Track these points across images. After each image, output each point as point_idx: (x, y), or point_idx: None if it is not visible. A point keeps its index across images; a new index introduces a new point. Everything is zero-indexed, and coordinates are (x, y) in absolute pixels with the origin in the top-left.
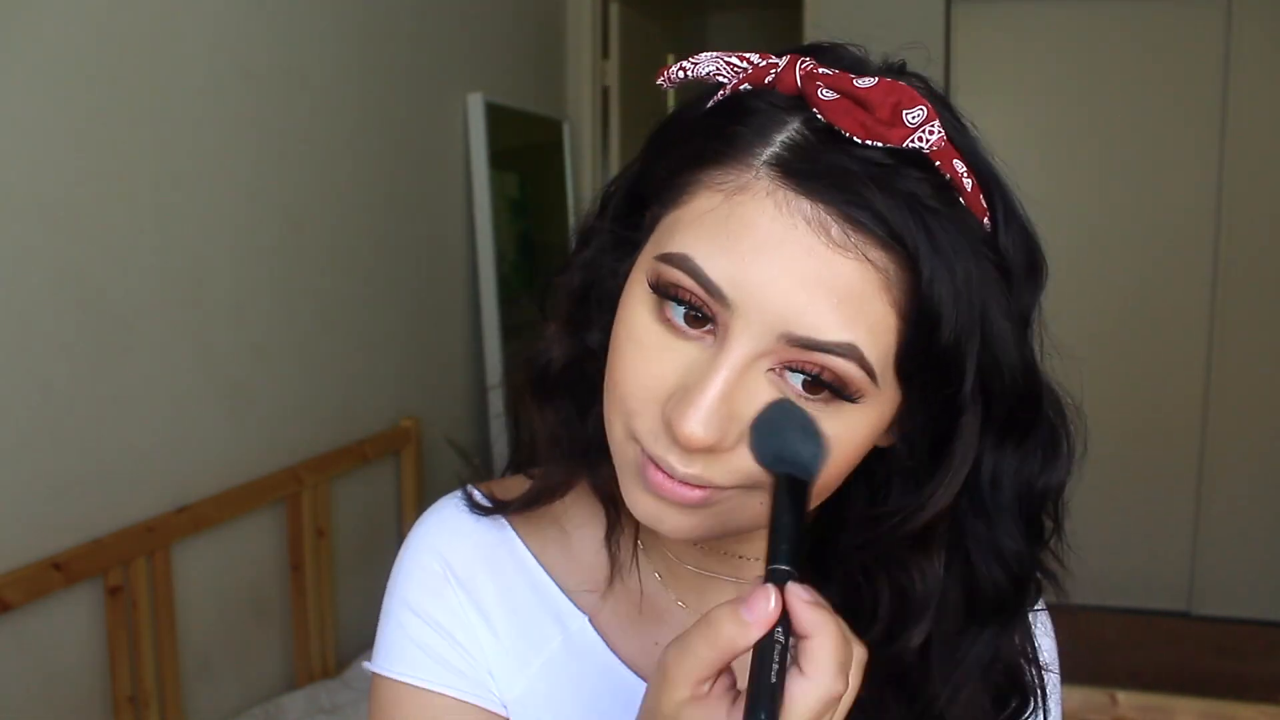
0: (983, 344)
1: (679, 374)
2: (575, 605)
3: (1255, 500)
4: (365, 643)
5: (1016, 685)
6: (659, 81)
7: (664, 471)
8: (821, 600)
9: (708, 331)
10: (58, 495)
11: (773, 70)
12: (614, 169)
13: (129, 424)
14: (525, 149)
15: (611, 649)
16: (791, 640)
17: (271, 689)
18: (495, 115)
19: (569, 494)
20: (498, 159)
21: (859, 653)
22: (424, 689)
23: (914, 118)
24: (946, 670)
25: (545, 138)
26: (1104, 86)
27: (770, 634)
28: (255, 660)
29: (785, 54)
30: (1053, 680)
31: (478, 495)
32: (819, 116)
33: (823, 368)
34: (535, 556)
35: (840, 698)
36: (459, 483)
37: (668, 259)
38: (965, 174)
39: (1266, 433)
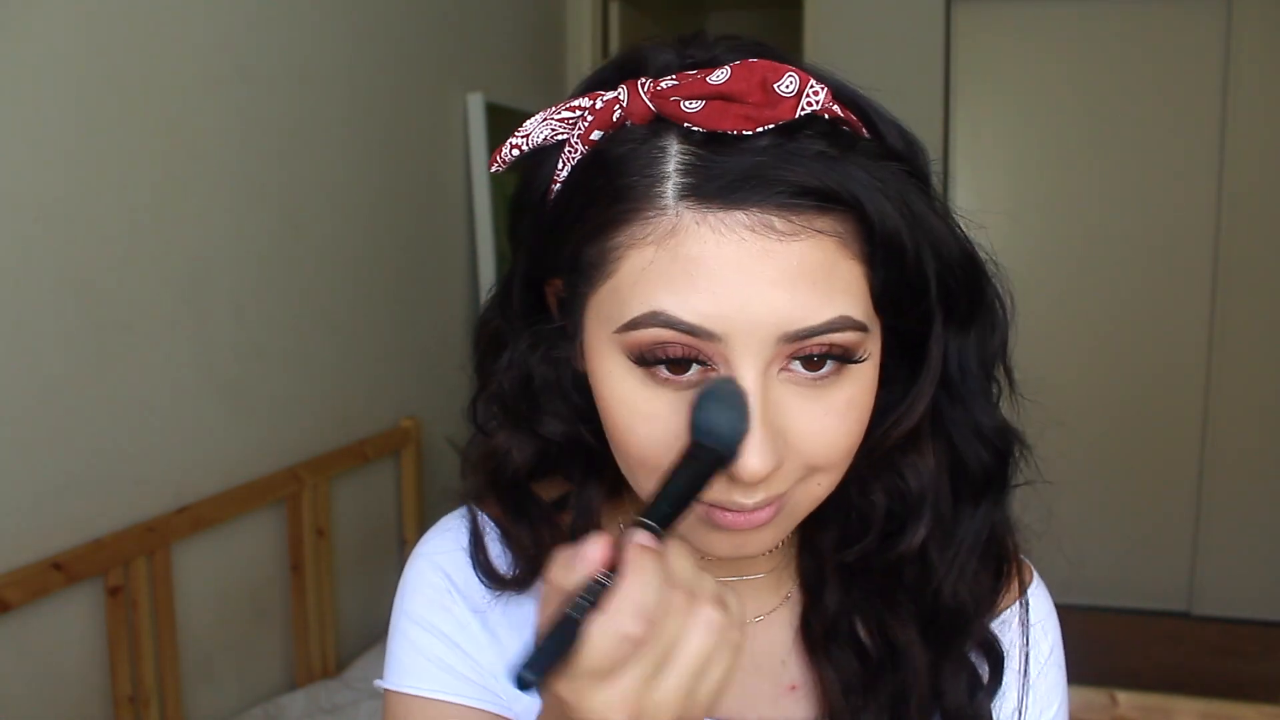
0: (932, 251)
1: None
2: None
3: (1255, 500)
4: (365, 643)
5: (1006, 555)
6: (493, 169)
7: (733, 511)
8: (668, 553)
9: (703, 370)
10: (58, 495)
11: (617, 106)
12: None
13: (129, 424)
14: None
15: None
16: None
17: (271, 689)
18: (495, 115)
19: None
20: None
21: (711, 614)
22: (436, 699)
23: (788, 86)
24: (948, 556)
25: None
26: (1104, 86)
27: (596, 578)
28: (255, 660)
29: (610, 81)
30: (1057, 670)
31: (483, 522)
32: (693, 128)
33: (827, 345)
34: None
35: (638, 640)
36: (455, 491)
37: (636, 324)
38: (838, 106)
39: (1266, 433)
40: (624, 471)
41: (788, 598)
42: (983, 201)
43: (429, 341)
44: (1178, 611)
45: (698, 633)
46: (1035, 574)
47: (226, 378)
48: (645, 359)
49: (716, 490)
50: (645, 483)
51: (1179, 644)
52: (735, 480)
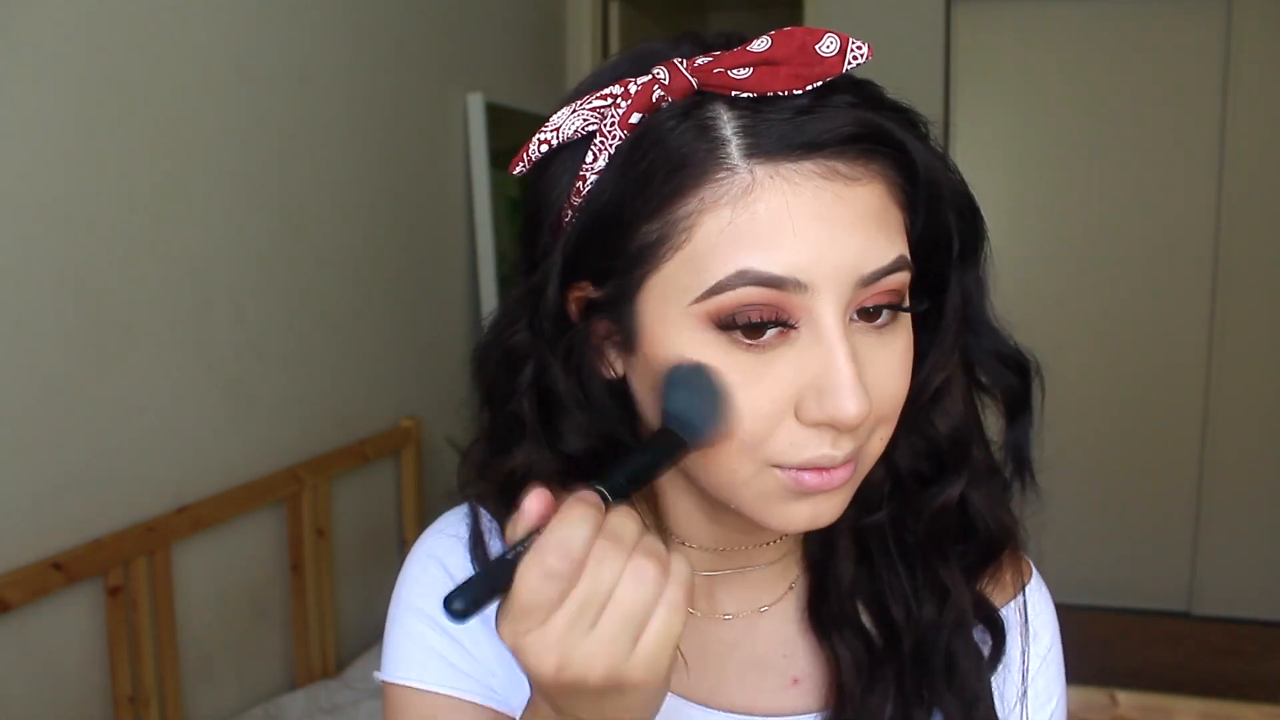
0: (950, 198)
1: (788, 382)
2: None
3: (1255, 500)
4: (365, 643)
5: (1030, 472)
6: (516, 171)
7: (820, 469)
8: (616, 518)
9: (781, 332)
10: (58, 495)
11: (657, 86)
12: None
13: (129, 424)
14: None
15: None
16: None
17: (271, 689)
18: (495, 115)
19: None
20: (498, 159)
21: (647, 565)
22: (433, 691)
23: (830, 47)
24: (986, 490)
25: None
26: (1104, 86)
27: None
28: (255, 660)
29: (629, 73)
30: (1055, 666)
31: (485, 521)
32: (737, 95)
33: (888, 295)
34: None
35: (562, 577)
36: (454, 491)
37: (721, 288)
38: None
39: (1266, 433)
40: (711, 464)
41: (791, 588)
42: (983, 201)
43: (429, 341)
44: (1178, 611)
45: (629, 583)
46: (1034, 570)
47: (226, 378)
48: (729, 322)
49: (809, 448)
50: (736, 467)
51: (1179, 644)
52: (831, 427)
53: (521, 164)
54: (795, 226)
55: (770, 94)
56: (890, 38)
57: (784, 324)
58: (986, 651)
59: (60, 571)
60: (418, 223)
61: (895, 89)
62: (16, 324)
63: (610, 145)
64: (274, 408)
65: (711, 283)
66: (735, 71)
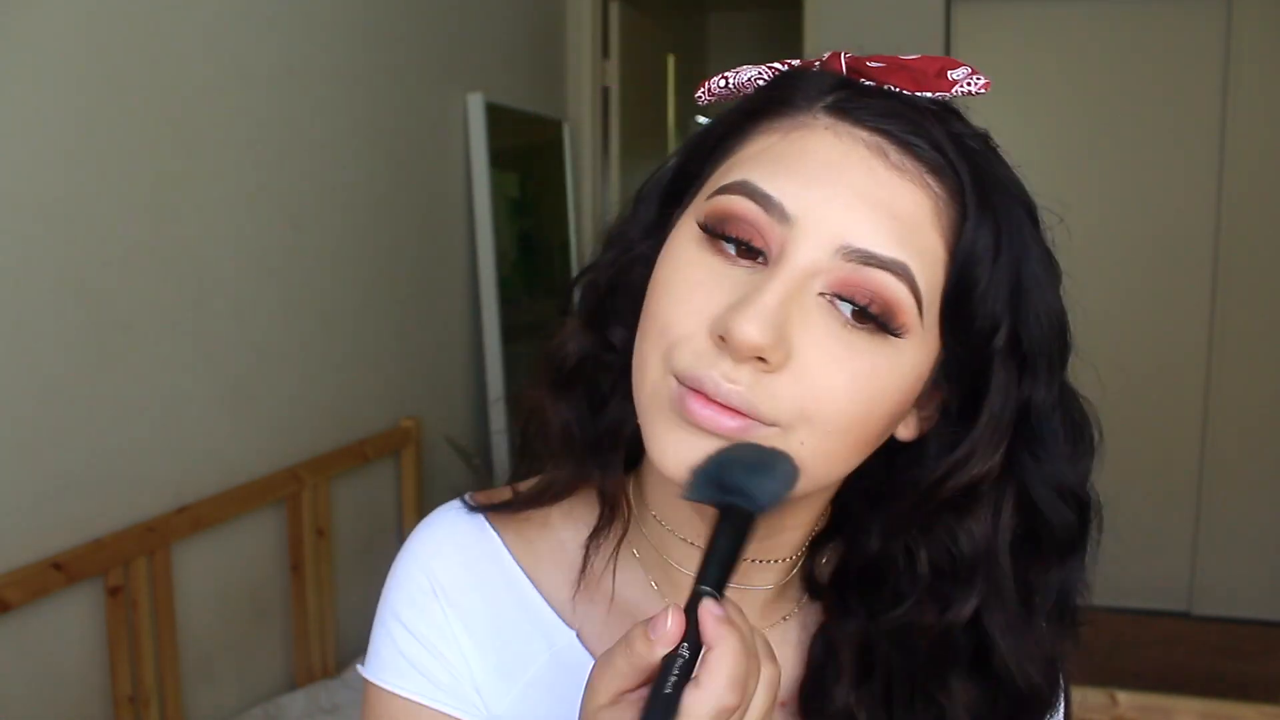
0: (1020, 287)
1: (729, 295)
2: (563, 621)
3: (1255, 500)
4: (365, 643)
5: (1074, 621)
6: (698, 96)
7: (704, 395)
8: (733, 618)
9: (760, 262)
10: (58, 495)
11: (817, 62)
12: (614, 169)
13: (129, 424)
14: (525, 149)
15: None
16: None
17: (271, 689)
18: (495, 115)
19: (569, 503)
20: (498, 159)
21: (769, 671)
22: (409, 699)
23: (959, 74)
24: (1018, 628)
25: (545, 138)
26: (1104, 86)
27: (675, 649)
28: (255, 660)
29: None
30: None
31: (479, 524)
32: (866, 83)
33: (874, 294)
34: (525, 572)
35: (733, 709)
36: (455, 490)
37: (723, 190)
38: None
39: (1266, 433)
40: (636, 355)
41: (785, 619)
42: None
43: (429, 341)
44: (1178, 611)
45: (764, 690)
46: None
47: (227, 378)
48: (714, 228)
49: (704, 361)
50: (648, 357)
51: (1179, 644)
52: (726, 344)
53: (703, 92)
54: (813, 167)
55: (886, 86)
56: (890, 38)
57: (761, 254)
58: None
59: (60, 571)
60: (418, 223)
61: None
62: (16, 324)
63: None
64: (274, 407)
65: (720, 184)
66: (873, 63)
